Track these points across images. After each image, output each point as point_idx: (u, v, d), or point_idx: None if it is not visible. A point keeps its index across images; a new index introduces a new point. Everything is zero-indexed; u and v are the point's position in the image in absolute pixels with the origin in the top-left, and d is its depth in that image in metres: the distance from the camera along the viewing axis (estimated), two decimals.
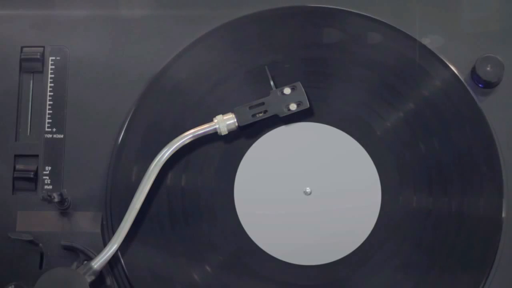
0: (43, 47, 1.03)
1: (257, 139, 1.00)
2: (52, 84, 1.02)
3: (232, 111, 0.98)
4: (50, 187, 0.99)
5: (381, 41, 1.01)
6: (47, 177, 1.00)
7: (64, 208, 0.98)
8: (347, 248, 0.97)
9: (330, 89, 1.01)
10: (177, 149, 0.97)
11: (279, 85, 0.99)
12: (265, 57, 1.01)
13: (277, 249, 0.97)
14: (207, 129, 0.98)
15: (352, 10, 1.02)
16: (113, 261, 0.96)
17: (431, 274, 0.95)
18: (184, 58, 1.01)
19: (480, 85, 1.00)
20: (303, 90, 0.98)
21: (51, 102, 1.01)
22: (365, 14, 1.02)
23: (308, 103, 0.98)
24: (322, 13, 1.02)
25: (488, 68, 0.99)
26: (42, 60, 1.02)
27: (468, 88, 1.00)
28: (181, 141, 0.97)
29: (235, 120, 0.98)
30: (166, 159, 0.96)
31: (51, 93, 1.02)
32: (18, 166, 1.00)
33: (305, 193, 0.98)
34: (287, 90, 0.99)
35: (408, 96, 1.00)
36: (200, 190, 0.98)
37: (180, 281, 0.96)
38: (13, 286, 0.95)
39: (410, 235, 0.96)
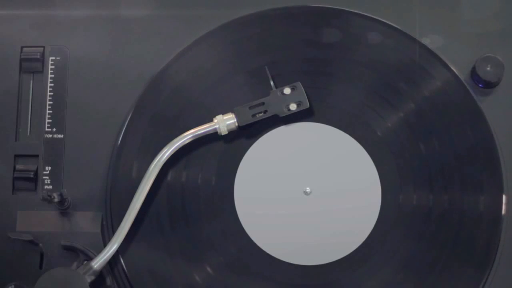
0: (43, 47, 1.03)
1: (257, 139, 1.00)
2: (52, 84, 1.02)
3: (232, 111, 0.98)
4: (50, 187, 0.99)
5: (381, 41, 1.01)
6: (47, 177, 1.00)
7: (64, 208, 0.98)
8: (347, 248, 0.97)
9: (330, 89, 1.01)
10: (177, 149, 0.97)
11: (279, 85, 0.99)
12: (265, 57, 1.01)
13: (277, 249, 0.97)
14: (207, 129, 0.98)
15: (352, 10, 1.02)
16: (113, 261, 0.96)
17: (431, 273, 0.95)
18: (184, 58, 1.01)
19: (480, 85, 1.00)
20: (303, 90, 0.98)
21: (51, 102, 1.01)
22: (365, 14, 1.02)
23: (308, 103, 0.98)
24: (322, 13, 1.02)
25: (488, 68, 0.99)
26: (42, 60, 1.02)
27: (468, 88, 1.00)
28: (181, 141, 0.97)
29: (235, 120, 0.98)
30: (166, 159, 0.96)
31: (51, 93, 1.02)
32: (18, 166, 1.00)
33: (305, 193, 0.98)
34: (287, 90, 0.99)
35: (408, 96, 1.00)
36: (200, 190, 0.98)
37: (180, 281, 0.96)
38: (13, 286, 0.95)
39: (410, 235, 0.96)
